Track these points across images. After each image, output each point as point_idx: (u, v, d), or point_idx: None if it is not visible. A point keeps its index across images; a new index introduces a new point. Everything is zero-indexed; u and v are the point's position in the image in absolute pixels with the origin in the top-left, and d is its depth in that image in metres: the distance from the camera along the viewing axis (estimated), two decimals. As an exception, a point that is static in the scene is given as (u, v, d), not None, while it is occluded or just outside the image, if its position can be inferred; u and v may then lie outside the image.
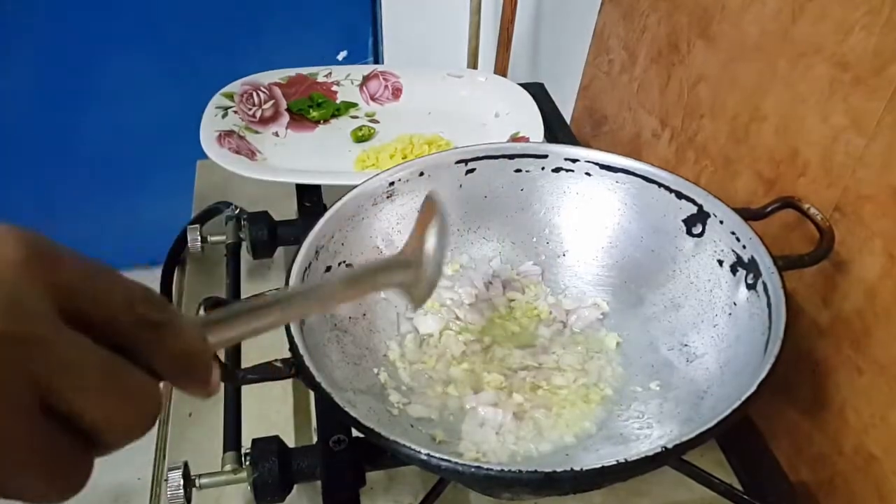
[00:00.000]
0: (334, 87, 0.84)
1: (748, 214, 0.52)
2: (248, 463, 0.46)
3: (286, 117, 0.81)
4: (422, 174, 0.56)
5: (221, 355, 0.43)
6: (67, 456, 0.22)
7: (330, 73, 0.84)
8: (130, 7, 1.17)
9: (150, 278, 0.65)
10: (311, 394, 0.55)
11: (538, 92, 0.85)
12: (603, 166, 0.56)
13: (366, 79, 0.85)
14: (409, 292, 0.36)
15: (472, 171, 0.58)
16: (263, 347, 0.44)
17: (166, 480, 0.45)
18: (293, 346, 0.43)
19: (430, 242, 0.36)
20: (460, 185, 0.58)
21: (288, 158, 0.75)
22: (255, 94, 0.80)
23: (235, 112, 0.77)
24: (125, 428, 0.23)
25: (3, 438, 0.20)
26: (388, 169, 0.56)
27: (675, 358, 0.51)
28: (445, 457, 0.37)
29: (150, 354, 0.24)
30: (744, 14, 0.60)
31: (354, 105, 0.84)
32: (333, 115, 0.83)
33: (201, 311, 0.46)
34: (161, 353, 0.24)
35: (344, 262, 0.53)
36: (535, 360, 0.53)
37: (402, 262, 0.36)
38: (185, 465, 0.46)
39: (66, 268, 0.22)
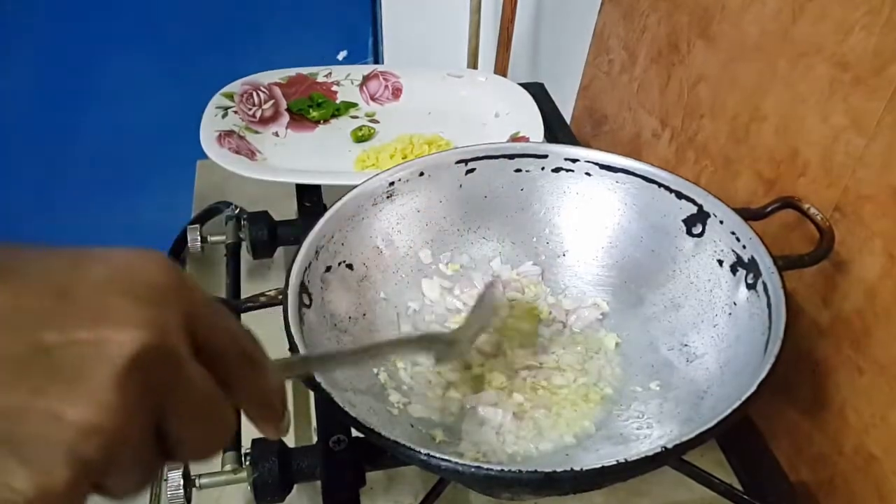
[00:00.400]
0: (334, 87, 0.84)
1: (748, 214, 0.52)
2: (247, 463, 0.46)
3: (286, 117, 0.81)
4: (422, 174, 0.56)
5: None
6: (154, 465, 0.24)
7: (330, 73, 0.84)
8: (130, 7, 1.16)
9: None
10: (311, 394, 0.55)
11: (538, 92, 0.85)
12: (603, 166, 0.56)
13: (366, 79, 0.85)
14: (439, 358, 0.43)
15: (472, 171, 0.58)
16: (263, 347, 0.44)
17: (166, 480, 0.45)
18: (293, 346, 0.43)
19: (476, 334, 0.46)
20: (460, 185, 0.58)
21: (288, 158, 0.75)
22: (255, 94, 0.80)
23: (235, 112, 0.77)
24: (203, 452, 0.25)
25: (123, 440, 0.21)
26: (388, 169, 0.56)
27: (675, 358, 0.51)
28: (445, 457, 0.37)
29: (240, 388, 0.26)
30: (744, 14, 0.60)
31: (354, 105, 0.84)
32: (333, 115, 0.83)
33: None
34: (252, 389, 0.26)
35: (344, 262, 0.53)
36: (535, 359, 0.53)
37: (449, 340, 0.44)
38: (185, 464, 0.46)
39: (197, 298, 0.24)
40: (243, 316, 0.51)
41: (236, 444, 0.49)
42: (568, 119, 0.89)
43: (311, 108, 0.82)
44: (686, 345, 0.51)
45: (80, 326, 0.21)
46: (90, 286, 0.22)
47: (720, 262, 0.51)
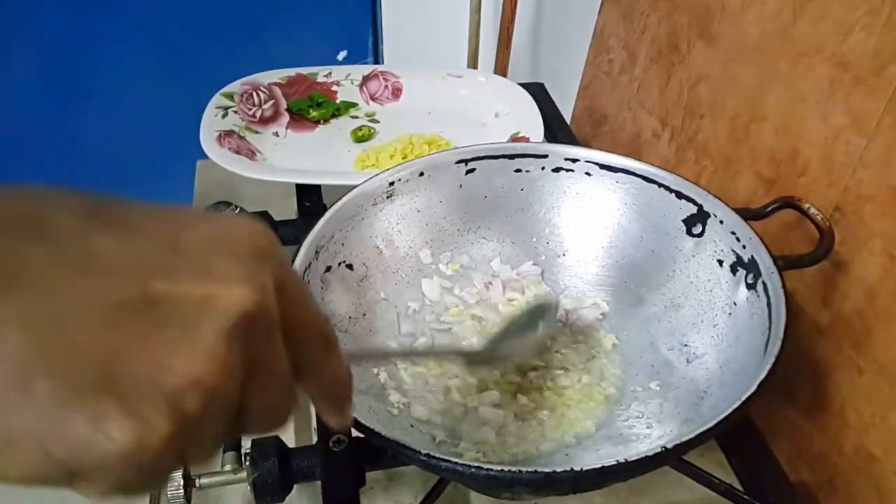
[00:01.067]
0: (334, 87, 0.84)
1: (748, 214, 0.52)
2: (247, 463, 0.46)
3: (286, 117, 0.81)
4: (422, 174, 0.56)
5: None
6: (228, 435, 0.23)
7: (330, 73, 0.84)
8: (130, 7, 1.17)
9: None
10: (311, 394, 0.55)
11: (538, 92, 0.85)
12: (603, 166, 0.56)
13: (366, 79, 0.85)
14: (469, 368, 0.46)
15: (472, 171, 0.58)
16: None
17: (166, 480, 0.44)
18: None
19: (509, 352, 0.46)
20: (460, 185, 0.58)
21: (288, 158, 0.75)
22: (255, 94, 0.80)
23: (235, 112, 0.77)
24: (266, 427, 0.24)
25: (221, 399, 0.21)
26: (387, 169, 0.56)
27: (675, 358, 0.51)
28: (445, 457, 0.37)
29: (314, 370, 0.25)
30: (744, 14, 0.60)
31: (354, 105, 0.84)
32: (333, 115, 0.83)
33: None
34: (326, 373, 0.26)
35: (344, 262, 0.53)
36: (541, 359, 0.53)
37: (482, 358, 0.44)
38: (186, 469, 0.45)
39: (289, 269, 0.24)
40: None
41: (236, 443, 0.49)
42: (568, 119, 0.89)
43: (311, 108, 0.82)
44: (686, 345, 0.51)
45: (191, 279, 0.21)
46: (199, 242, 0.22)
47: (720, 262, 0.51)
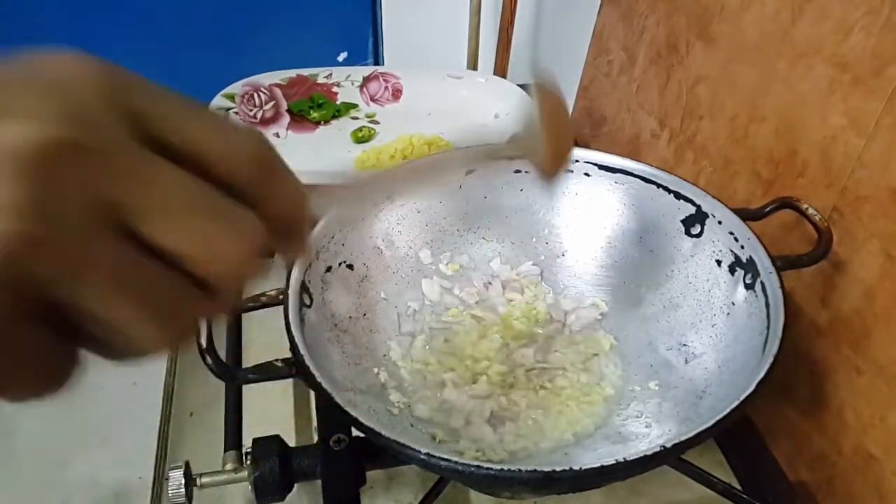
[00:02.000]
0: (335, 88, 0.84)
1: (747, 215, 0.52)
2: (248, 462, 0.46)
3: (287, 118, 0.81)
4: (422, 175, 0.56)
5: (223, 353, 0.43)
6: (179, 296, 0.19)
7: (330, 75, 0.85)
8: (131, 7, 1.17)
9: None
10: (312, 393, 0.55)
11: (538, 93, 0.85)
12: (602, 167, 0.57)
13: (366, 80, 0.85)
14: (535, 164, 0.35)
15: (471, 171, 0.58)
16: (264, 347, 0.45)
17: (167, 479, 0.45)
18: (293, 346, 0.43)
19: (552, 121, 0.34)
20: (460, 186, 0.58)
21: (288, 159, 0.74)
22: (255, 95, 0.80)
23: (236, 113, 0.77)
24: (230, 259, 0.19)
25: (86, 264, 0.17)
26: (388, 169, 0.56)
27: (674, 358, 0.51)
28: (445, 456, 0.37)
29: (255, 197, 0.21)
30: (743, 15, 0.60)
31: (355, 106, 0.84)
32: (334, 116, 0.83)
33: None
34: (271, 201, 0.21)
35: (344, 262, 0.53)
36: (537, 359, 0.53)
37: (528, 146, 0.34)
38: (187, 464, 0.46)
39: (156, 95, 0.20)
40: (244, 316, 0.51)
41: (237, 443, 0.49)
42: (568, 120, 0.89)
43: (311, 109, 0.82)
44: (685, 344, 0.51)
45: None
46: (14, 79, 0.18)
47: (718, 263, 0.51)
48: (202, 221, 0.19)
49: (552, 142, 0.34)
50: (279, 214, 0.22)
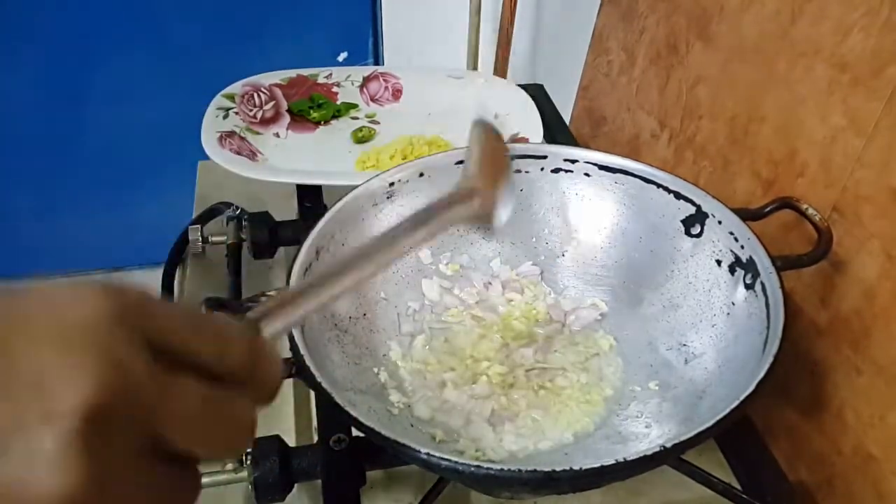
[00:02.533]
0: (335, 89, 0.84)
1: (747, 215, 0.52)
2: (248, 462, 0.46)
3: (287, 118, 0.81)
4: (422, 175, 0.56)
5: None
6: (180, 483, 0.24)
7: (330, 75, 0.85)
8: (131, 8, 1.17)
9: (152, 278, 0.65)
10: (312, 393, 0.55)
11: (537, 93, 0.86)
12: (602, 167, 0.57)
13: (366, 80, 0.85)
14: (482, 221, 0.36)
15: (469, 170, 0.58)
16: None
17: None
18: (294, 346, 0.43)
19: (488, 161, 0.37)
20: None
21: (289, 159, 0.75)
22: (255, 95, 0.80)
23: (236, 113, 0.77)
24: (227, 451, 0.25)
25: (125, 486, 0.21)
26: (388, 170, 0.56)
27: (674, 358, 0.51)
28: (445, 456, 0.37)
29: (246, 378, 0.25)
30: (743, 15, 0.60)
31: (355, 106, 0.84)
32: (334, 116, 0.83)
33: (202, 311, 0.46)
34: (258, 378, 0.25)
35: (344, 262, 0.53)
36: (537, 359, 0.53)
37: (466, 193, 0.35)
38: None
39: (158, 314, 0.22)
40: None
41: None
42: (567, 120, 0.89)
43: (311, 109, 0.82)
44: (685, 345, 0.51)
45: (24, 397, 0.19)
46: (27, 342, 0.20)
47: (718, 263, 0.51)
48: (212, 431, 0.24)
49: (490, 182, 0.37)
50: (264, 383, 0.26)
